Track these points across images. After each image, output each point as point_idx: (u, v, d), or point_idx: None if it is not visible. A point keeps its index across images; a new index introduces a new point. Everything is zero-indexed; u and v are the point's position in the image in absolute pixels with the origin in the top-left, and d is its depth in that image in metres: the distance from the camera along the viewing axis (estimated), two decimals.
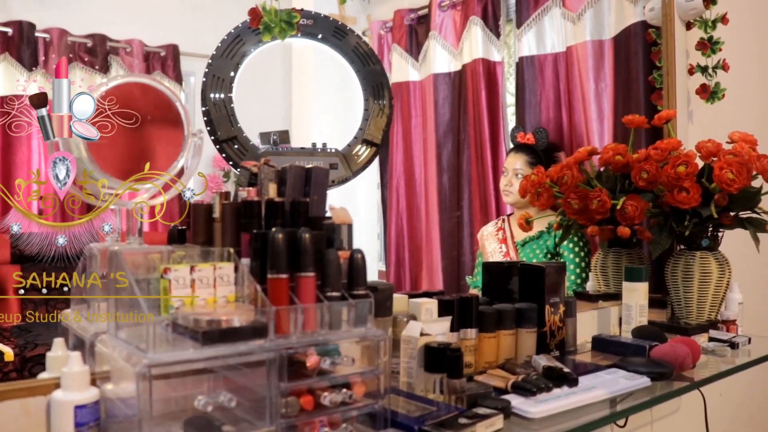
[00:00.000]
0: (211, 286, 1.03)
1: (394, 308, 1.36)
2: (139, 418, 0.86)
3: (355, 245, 1.12)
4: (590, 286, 2.02)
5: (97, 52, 3.36)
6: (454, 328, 1.35)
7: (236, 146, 2.08)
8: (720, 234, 1.83)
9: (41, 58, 3.24)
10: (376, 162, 3.63)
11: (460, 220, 3.16)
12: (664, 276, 1.87)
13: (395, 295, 1.38)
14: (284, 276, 1.00)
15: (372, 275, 3.77)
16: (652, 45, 2.12)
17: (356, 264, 1.07)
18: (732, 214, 1.74)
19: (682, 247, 1.85)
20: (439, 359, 1.18)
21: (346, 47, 2.19)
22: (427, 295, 1.41)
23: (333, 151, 2.12)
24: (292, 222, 1.11)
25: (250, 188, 1.13)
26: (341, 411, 1.02)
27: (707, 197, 1.69)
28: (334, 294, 1.04)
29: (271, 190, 1.15)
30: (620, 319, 1.76)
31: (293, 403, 0.99)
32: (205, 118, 2.08)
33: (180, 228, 1.22)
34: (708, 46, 1.96)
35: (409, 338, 1.23)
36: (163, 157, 1.07)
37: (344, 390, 1.02)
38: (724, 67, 1.98)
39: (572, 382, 1.28)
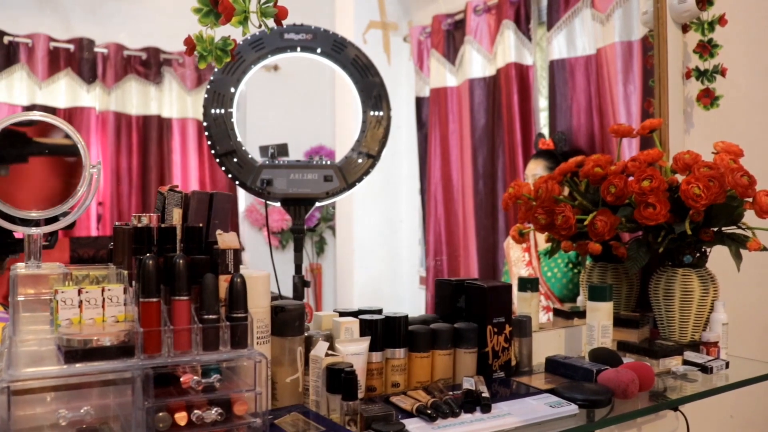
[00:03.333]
0: (100, 307, 1.10)
1: (322, 326, 1.40)
2: None
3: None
4: (579, 301, 1.96)
5: (151, 64, 3.55)
6: (378, 348, 1.36)
7: (235, 160, 2.16)
8: (708, 250, 1.72)
9: (100, 71, 3.47)
10: (416, 168, 3.65)
11: (496, 227, 3.12)
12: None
13: (324, 313, 1.42)
14: (154, 300, 1.05)
15: (414, 280, 3.79)
16: (648, 50, 2.02)
17: (235, 288, 1.11)
18: (714, 229, 1.65)
19: (669, 263, 1.76)
20: (338, 380, 1.20)
21: (345, 60, 2.22)
22: (358, 313, 1.42)
23: (327, 163, 2.16)
24: (186, 247, 1.16)
25: (153, 214, 1.19)
26: (217, 428, 1.07)
27: (684, 212, 1.61)
28: (210, 317, 1.08)
29: (176, 215, 1.21)
30: None
31: (165, 419, 1.04)
32: (206, 133, 2.17)
33: (111, 249, 1.31)
34: (708, 48, 1.84)
35: (315, 357, 1.25)
36: (62, 188, 1.16)
37: (215, 408, 1.06)
38: (722, 72, 1.85)
39: (485, 407, 1.26)
